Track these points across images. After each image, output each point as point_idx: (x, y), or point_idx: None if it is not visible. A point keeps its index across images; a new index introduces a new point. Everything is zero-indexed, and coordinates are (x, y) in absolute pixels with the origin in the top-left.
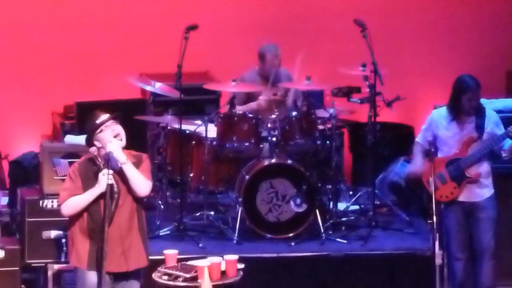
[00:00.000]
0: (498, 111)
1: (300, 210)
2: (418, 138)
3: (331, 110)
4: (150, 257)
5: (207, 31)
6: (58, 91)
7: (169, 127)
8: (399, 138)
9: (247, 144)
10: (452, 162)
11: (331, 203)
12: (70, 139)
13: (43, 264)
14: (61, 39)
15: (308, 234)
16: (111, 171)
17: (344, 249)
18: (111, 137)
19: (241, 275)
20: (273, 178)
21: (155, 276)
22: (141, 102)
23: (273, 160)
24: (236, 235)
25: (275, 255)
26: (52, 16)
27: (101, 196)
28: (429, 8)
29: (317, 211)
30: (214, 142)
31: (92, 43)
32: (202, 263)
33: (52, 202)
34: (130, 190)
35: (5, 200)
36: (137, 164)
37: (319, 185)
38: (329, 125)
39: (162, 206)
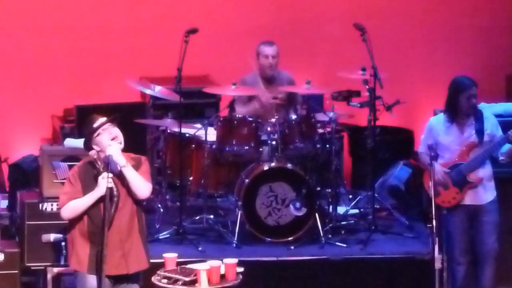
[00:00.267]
0: (498, 115)
1: (300, 213)
2: (421, 148)
3: (331, 114)
4: (150, 261)
5: (207, 35)
6: (58, 94)
7: (168, 131)
8: (399, 142)
9: (247, 147)
10: (454, 167)
11: (331, 207)
12: (70, 142)
13: (43, 267)
14: (61, 42)
15: (307, 238)
16: (110, 174)
17: (343, 253)
18: (109, 140)
19: (240, 279)
20: (272, 182)
21: (154, 279)
22: (141, 106)
23: (273, 164)
24: (235, 238)
25: (274, 258)
26: (52, 19)
27: (101, 199)
28: (429, 12)
29: (316, 215)
30: (214, 146)
31: (92, 46)
32: (201, 266)
33: (52, 205)
34: (130, 192)
35: (4, 203)
36: (137, 166)
37: (319, 189)
38: (328, 129)
39: (161, 210)
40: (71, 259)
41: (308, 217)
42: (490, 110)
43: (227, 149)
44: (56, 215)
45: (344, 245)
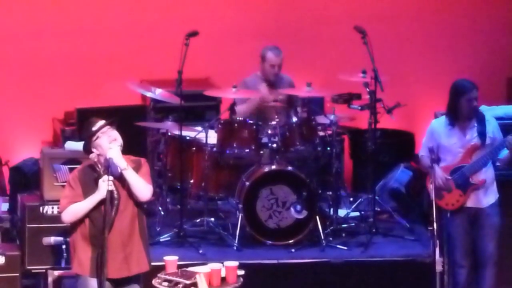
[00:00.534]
0: (499, 118)
1: (301, 216)
2: (422, 152)
3: (332, 117)
4: (151, 263)
5: (207, 38)
6: (59, 97)
7: (169, 133)
8: (400, 145)
9: (248, 150)
10: (456, 170)
11: (332, 209)
12: (71, 145)
13: (43, 270)
14: (62, 45)
15: (308, 241)
16: (111, 177)
17: (344, 256)
18: (108, 143)
19: (241, 282)
20: (273, 185)
21: (155, 282)
22: (142, 108)
23: (273, 167)
24: (236, 241)
25: (275, 261)
26: (53, 22)
27: (102, 202)
28: (430, 15)
29: (317, 217)
30: (215, 149)
31: (93, 49)
32: (202, 269)
33: (53, 208)
34: (131, 195)
35: (5, 206)
36: (137, 169)
37: (320, 191)
38: (329, 132)
39: (162, 213)
40: (73, 263)
41: (309, 220)
42: (490, 113)
43: (227, 151)
44: (56, 218)
45: (345, 248)
